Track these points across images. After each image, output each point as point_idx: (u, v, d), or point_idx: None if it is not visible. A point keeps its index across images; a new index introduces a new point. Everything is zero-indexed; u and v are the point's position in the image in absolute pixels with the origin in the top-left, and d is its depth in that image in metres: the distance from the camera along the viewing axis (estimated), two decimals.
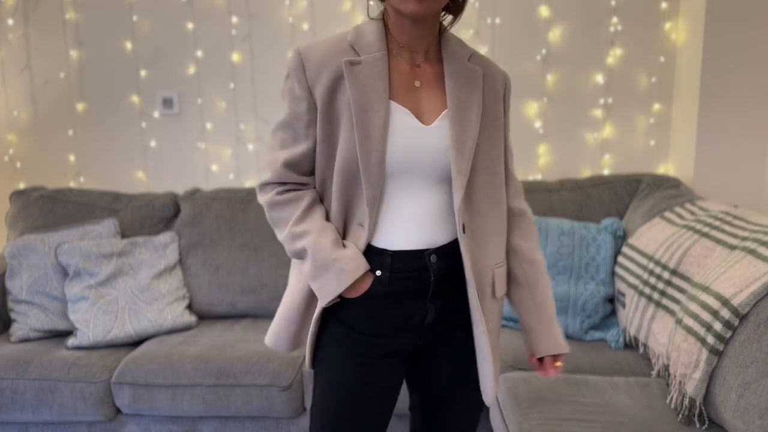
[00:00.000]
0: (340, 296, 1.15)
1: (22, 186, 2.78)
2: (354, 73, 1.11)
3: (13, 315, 2.27)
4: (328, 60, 1.13)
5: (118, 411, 2.10)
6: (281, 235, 1.20)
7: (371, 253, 1.16)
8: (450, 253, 1.17)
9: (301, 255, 1.17)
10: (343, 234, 1.19)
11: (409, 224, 1.15)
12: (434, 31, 1.19)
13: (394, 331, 1.19)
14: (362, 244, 1.15)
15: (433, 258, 1.16)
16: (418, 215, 1.15)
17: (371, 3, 1.21)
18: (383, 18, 1.19)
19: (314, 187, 1.22)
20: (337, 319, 1.19)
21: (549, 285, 1.30)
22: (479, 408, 1.32)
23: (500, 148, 1.23)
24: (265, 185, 1.21)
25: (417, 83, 1.17)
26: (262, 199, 1.22)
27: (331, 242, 1.13)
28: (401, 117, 1.13)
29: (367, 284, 1.15)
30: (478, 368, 1.20)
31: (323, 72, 1.13)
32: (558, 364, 1.27)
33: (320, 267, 1.12)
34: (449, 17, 1.22)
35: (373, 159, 1.10)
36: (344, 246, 1.16)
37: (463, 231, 1.15)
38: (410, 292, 1.17)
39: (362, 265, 1.13)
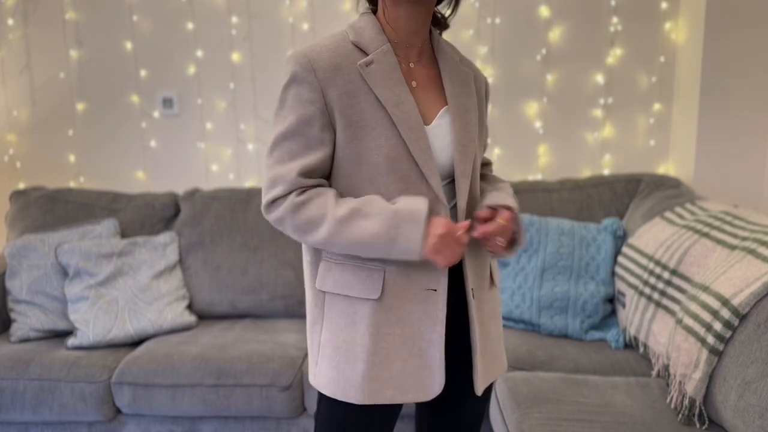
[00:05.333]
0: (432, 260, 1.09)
1: (22, 186, 2.78)
2: (372, 74, 1.11)
3: (13, 315, 2.27)
4: (340, 62, 1.11)
5: (118, 411, 2.10)
6: (322, 231, 1.09)
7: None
8: None
9: (359, 238, 1.07)
10: None
11: None
12: (426, 30, 1.20)
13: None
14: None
15: None
16: None
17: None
18: (375, 15, 1.20)
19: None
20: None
21: (511, 193, 1.29)
22: (484, 405, 1.32)
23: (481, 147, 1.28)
24: (275, 200, 1.11)
25: (414, 83, 1.18)
26: (276, 213, 1.11)
27: (382, 200, 1.10)
28: None
29: (441, 219, 1.08)
30: (473, 363, 1.20)
31: (337, 75, 1.10)
32: (500, 220, 1.15)
33: (391, 227, 1.06)
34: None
35: (422, 144, 1.11)
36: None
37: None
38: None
39: (422, 199, 1.09)
